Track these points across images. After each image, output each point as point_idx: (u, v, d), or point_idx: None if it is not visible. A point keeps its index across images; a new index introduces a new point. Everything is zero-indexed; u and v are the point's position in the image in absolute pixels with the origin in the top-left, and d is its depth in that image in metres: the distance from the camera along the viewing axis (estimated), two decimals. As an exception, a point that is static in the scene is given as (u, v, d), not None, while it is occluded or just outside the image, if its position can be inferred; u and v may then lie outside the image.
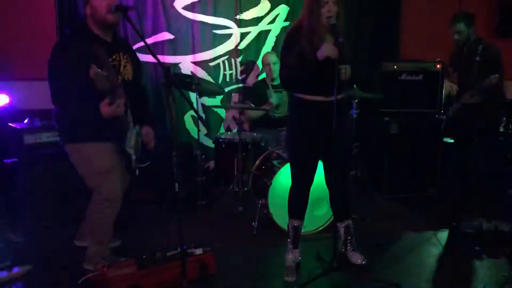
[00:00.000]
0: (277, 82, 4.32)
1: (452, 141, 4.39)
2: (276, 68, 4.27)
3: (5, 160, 3.50)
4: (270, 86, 4.36)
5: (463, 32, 3.75)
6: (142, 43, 2.76)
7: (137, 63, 2.91)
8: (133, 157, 2.73)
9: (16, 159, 3.47)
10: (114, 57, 2.68)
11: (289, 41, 2.76)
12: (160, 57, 4.46)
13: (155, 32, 4.52)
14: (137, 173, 2.79)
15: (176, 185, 2.44)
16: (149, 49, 2.59)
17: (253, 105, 4.27)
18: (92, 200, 2.74)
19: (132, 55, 2.87)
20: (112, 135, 2.63)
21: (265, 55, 4.51)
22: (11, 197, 3.55)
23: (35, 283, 2.73)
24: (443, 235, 3.48)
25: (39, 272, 2.82)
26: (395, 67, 4.43)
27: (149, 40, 4.45)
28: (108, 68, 2.54)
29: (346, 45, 2.65)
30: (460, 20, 3.74)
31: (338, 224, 3.04)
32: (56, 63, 2.53)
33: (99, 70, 2.32)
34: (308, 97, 2.78)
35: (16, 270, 2.75)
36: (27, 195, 3.40)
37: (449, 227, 3.52)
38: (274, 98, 4.30)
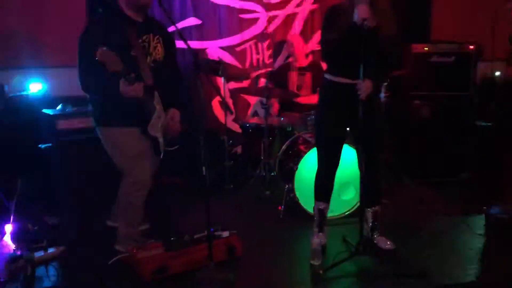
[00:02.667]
0: (302, 62, 4.31)
1: (487, 124, 4.26)
2: (299, 47, 4.27)
3: (39, 145, 3.62)
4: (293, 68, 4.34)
5: None
6: (172, 28, 2.80)
7: (170, 44, 2.89)
8: (161, 140, 2.77)
9: (50, 144, 3.58)
10: (144, 38, 2.70)
11: (330, 18, 2.75)
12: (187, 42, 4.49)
13: (183, 17, 4.54)
14: (161, 156, 2.83)
15: (204, 169, 2.47)
16: (179, 34, 2.61)
17: (278, 89, 4.27)
18: (122, 183, 2.81)
19: (165, 36, 2.86)
20: (138, 120, 2.66)
21: (291, 37, 4.46)
22: (46, 181, 3.67)
23: (69, 263, 2.83)
24: (474, 220, 3.41)
25: (73, 252, 2.93)
26: (426, 48, 4.32)
27: (177, 26, 4.48)
28: (137, 49, 2.58)
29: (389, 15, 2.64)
30: None
31: (366, 210, 3.02)
32: (83, 46, 2.57)
33: (107, 50, 2.30)
34: (337, 79, 2.79)
35: (51, 250, 2.86)
36: (62, 179, 3.50)
37: (483, 213, 3.43)
38: (297, 81, 4.29)
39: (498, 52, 4.20)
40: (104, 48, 2.31)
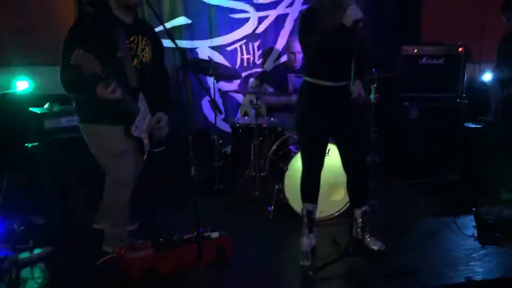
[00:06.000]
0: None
1: (476, 126, 4.29)
2: (300, 58, 4.24)
3: (26, 144, 3.56)
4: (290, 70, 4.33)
5: None
6: (160, 28, 2.77)
7: (158, 46, 2.88)
8: (146, 141, 2.74)
9: (37, 143, 3.52)
10: (131, 39, 2.67)
11: (308, 20, 2.74)
12: (177, 42, 4.45)
13: (173, 16, 4.50)
14: (144, 157, 2.80)
15: (193, 169, 2.45)
16: (167, 33, 2.58)
17: (271, 89, 4.26)
18: (105, 182, 2.77)
19: (153, 38, 2.84)
20: (122, 119, 2.64)
21: (292, 41, 4.38)
22: (33, 180, 3.62)
23: (55, 264, 2.78)
24: (463, 221, 3.43)
25: (60, 253, 2.88)
26: (415, 50, 4.34)
27: (167, 25, 4.44)
28: (123, 51, 2.55)
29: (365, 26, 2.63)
30: None
31: (355, 210, 3.02)
32: (66, 46, 2.54)
33: (83, 52, 2.25)
34: (318, 81, 2.80)
35: (37, 251, 2.81)
36: (48, 178, 3.45)
37: (472, 213, 3.45)
38: (294, 83, 4.27)
39: (485, 54, 4.24)
40: (80, 51, 2.26)
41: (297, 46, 4.26)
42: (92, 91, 2.43)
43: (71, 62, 2.26)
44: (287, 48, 4.44)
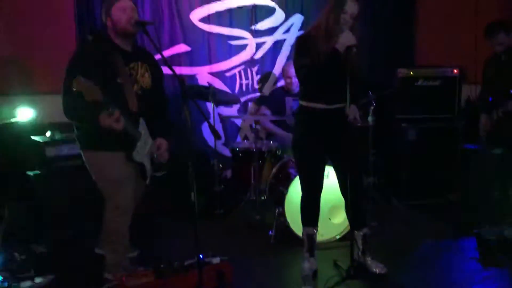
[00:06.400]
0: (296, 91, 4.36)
1: (473, 147, 4.32)
2: (297, 81, 4.30)
3: (27, 172, 3.59)
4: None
5: (505, 43, 3.61)
6: (159, 55, 2.84)
7: (157, 72, 2.94)
8: (147, 166, 2.77)
9: (38, 172, 3.55)
10: (131, 66, 2.73)
11: (302, 45, 2.82)
12: (177, 68, 4.55)
13: (172, 44, 4.60)
14: (147, 182, 2.83)
15: (192, 194, 2.47)
16: (165, 61, 2.64)
17: (270, 113, 4.31)
18: (105, 208, 2.79)
19: (153, 64, 2.90)
20: (123, 145, 2.67)
21: (288, 66, 4.43)
22: (34, 208, 3.63)
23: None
24: (464, 242, 3.43)
25: (61, 282, 2.88)
26: (411, 73, 4.41)
27: (166, 52, 4.53)
28: (124, 77, 2.60)
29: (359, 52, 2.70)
30: (500, 30, 3.60)
31: (355, 233, 3.03)
32: (67, 74, 2.58)
33: (84, 80, 2.30)
34: (313, 104, 2.85)
35: (38, 280, 2.81)
36: (50, 206, 3.47)
37: (472, 234, 3.45)
38: (292, 106, 4.32)
39: (480, 74, 4.30)
40: (82, 78, 2.31)
41: (291, 71, 4.34)
42: (95, 118, 2.47)
43: (73, 89, 2.31)
44: (283, 74, 4.52)
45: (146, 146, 2.77)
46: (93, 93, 2.34)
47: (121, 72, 2.65)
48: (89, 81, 2.33)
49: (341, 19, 2.68)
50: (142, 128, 2.75)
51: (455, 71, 4.41)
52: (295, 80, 4.32)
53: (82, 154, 2.81)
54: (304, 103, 2.91)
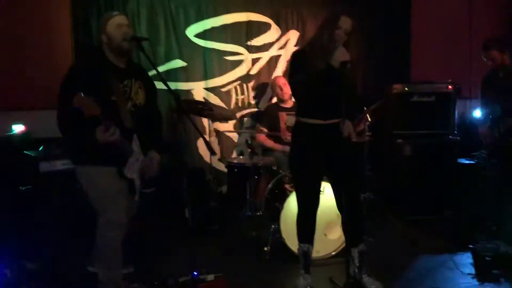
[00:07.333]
0: (289, 104, 4.37)
1: (469, 162, 4.32)
2: (287, 89, 4.32)
3: (20, 187, 3.55)
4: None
5: (497, 60, 3.68)
6: (155, 71, 2.86)
7: (151, 89, 2.94)
8: (137, 182, 2.75)
9: (31, 187, 3.52)
10: (125, 82, 2.74)
11: (298, 61, 2.84)
12: (173, 84, 4.56)
13: (168, 59, 4.62)
14: (136, 198, 2.80)
15: (186, 210, 2.45)
16: (161, 77, 2.65)
17: (265, 130, 4.30)
18: (98, 224, 2.76)
19: (147, 81, 2.91)
20: (115, 160, 2.66)
21: (275, 78, 4.55)
22: (26, 224, 3.58)
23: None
24: (460, 258, 3.40)
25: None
26: (406, 89, 4.43)
27: (162, 68, 4.55)
28: (118, 94, 2.59)
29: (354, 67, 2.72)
30: (495, 47, 3.67)
31: (351, 249, 3.00)
32: (63, 91, 2.58)
33: (84, 96, 2.31)
34: (309, 120, 2.85)
35: (30, 297, 2.76)
36: (42, 222, 3.43)
37: (468, 250, 3.43)
38: (287, 121, 4.33)
39: (475, 90, 4.34)
40: (81, 94, 2.32)
41: (280, 80, 4.42)
42: (90, 133, 2.46)
43: (72, 105, 2.30)
44: (273, 86, 4.55)
45: (137, 163, 2.76)
46: (91, 109, 2.34)
47: (115, 90, 2.65)
48: (89, 98, 2.33)
49: (335, 35, 2.70)
50: (135, 145, 2.75)
51: (450, 87, 4.43)
52: (285, 88, 4.34)
53: (75, 169, 2.78)
54: (300, 118, 2.91)
